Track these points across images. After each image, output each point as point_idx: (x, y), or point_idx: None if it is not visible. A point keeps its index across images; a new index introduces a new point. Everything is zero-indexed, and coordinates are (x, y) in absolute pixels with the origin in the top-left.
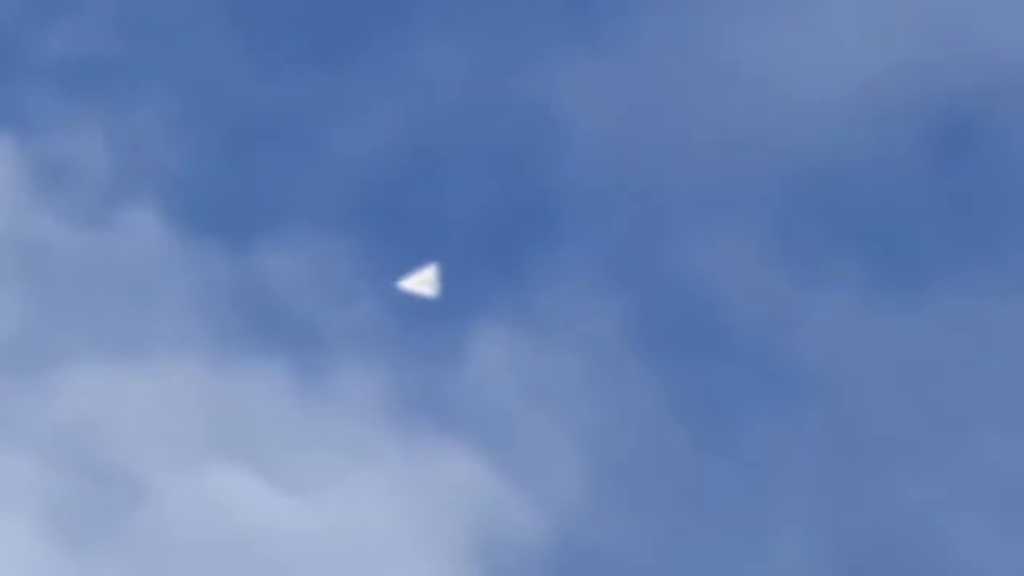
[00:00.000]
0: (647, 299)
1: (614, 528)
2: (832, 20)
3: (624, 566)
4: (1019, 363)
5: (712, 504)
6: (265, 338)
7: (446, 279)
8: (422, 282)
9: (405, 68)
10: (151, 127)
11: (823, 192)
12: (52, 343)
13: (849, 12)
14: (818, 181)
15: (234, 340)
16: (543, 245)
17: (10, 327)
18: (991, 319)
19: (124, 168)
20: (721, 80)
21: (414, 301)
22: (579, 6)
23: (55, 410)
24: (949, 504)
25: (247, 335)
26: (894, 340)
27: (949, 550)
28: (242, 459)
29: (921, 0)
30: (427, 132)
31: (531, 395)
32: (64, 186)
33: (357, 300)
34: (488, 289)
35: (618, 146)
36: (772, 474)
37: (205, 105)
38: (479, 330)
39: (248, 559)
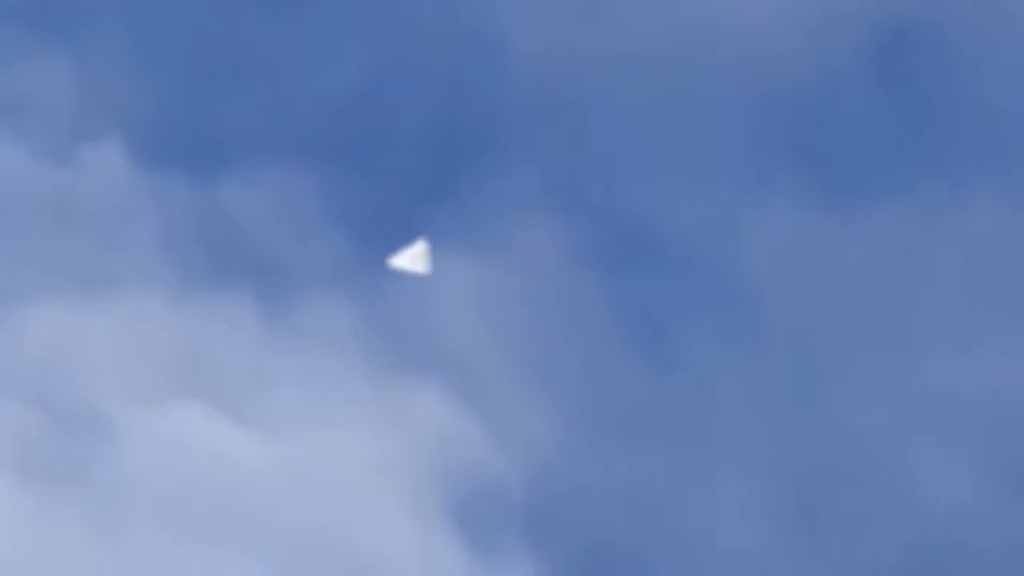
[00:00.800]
0: (591, 219)
1: (575, 460)
2: None
3: (586, 496)
4: (964, 277)
5: (656, 423)
6: (230, 274)
7: (396, 208)
8: (412, 259)
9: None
10: (115, 63)
11: (765, 104)
12: (14, 281)
13: None
14: (760, 93)
15: (199, 276)
16: (484, 169)
17: None
18: (936, 233)
19: (88, 104)
20: None
21: (376, 234)
22: None
23: (18, 348)
24: (894, 422)
25: (212, 271)
26: (838, 255)
27: (894, 468)
28: (207, 396)
29: None
30: (387, 65)
31: (488, 325)
32: (27, 123)
33: (322, 235)
34: (433, 216)
35: (558, 66)
36: (717, 391)
37: (169, 41)
38: (439, 261)
39: (213, 496)
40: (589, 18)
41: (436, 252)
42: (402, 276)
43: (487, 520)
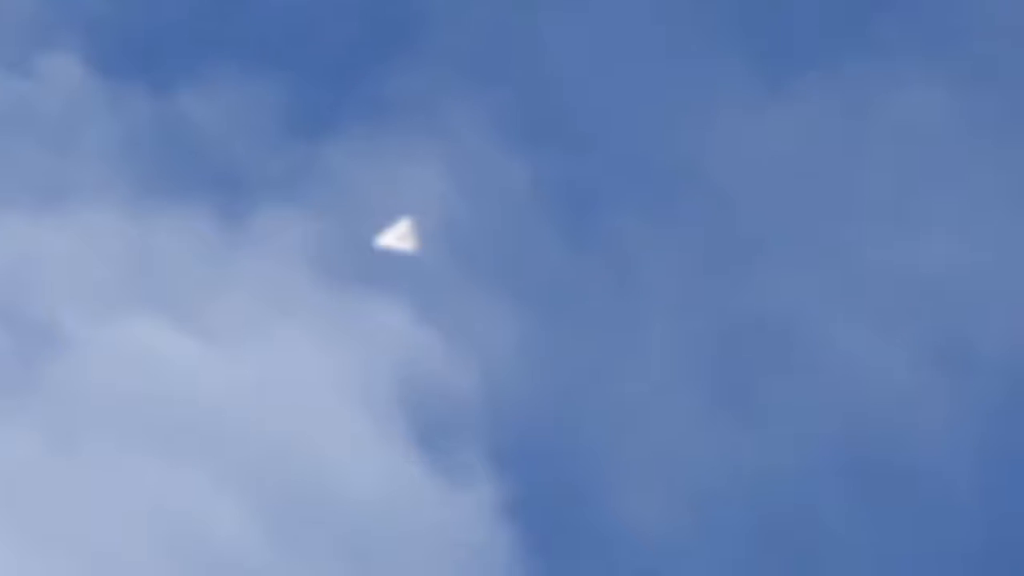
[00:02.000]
0: (516, 90)
1: (532, 362)
2: None
3: (542, 399)
4: (898, 156)
5: (581, 300)
6: (187, 185)
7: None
8: (399, 238)
9: None
10: None
11: None
12: None
13: None
14: None
15: (156, 187)
16: (402, 45)
17: None
18: (868, 110)
19: (45, 13)
20: None
21: (335, 143)
22: None
23: None
24: (826, 301)
25: (169, 182)
26: (769, 132)
27: (825, 348)
28: (163, 308)
29: None
30: None
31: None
32: None
33: (281, 145)
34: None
35: None
36: (644, 267)
37: None
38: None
39: (168, 408)
40: None
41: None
42: (359, 191)
43: (448, 433)
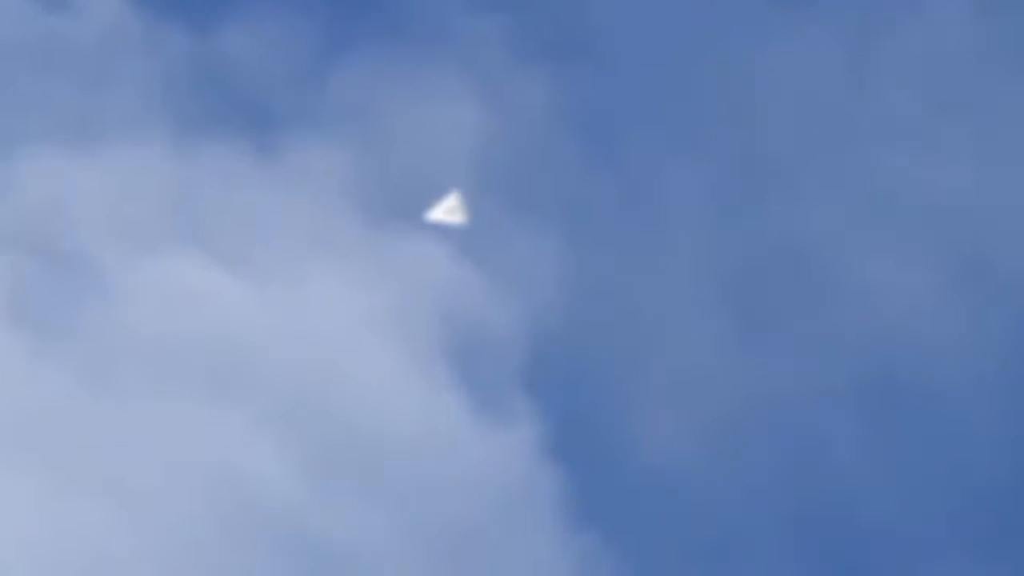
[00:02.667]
0: (537, 10)
1: (573, 296)
2: None
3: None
4: (919, 80)
5: (608, 227)
6: (226, 122)
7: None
8: (448, 211)
9: None
10: None
11: None
12: (8, 128)
13: None
14: None
15: (194, 124)
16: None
17: None
18: (890, 34)
19: None
20: None
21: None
22: None
23: (12, 198)
24: (846, 224)
25: (208, 119)
26: (790, 55)
27: (846, 270)
28: (201, 244)
29: None
30: None
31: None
32: None
33: (320, 81)
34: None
35: None
36: (665, 192)
37: None
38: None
39: (205, 346)
40: None
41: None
42: (395, 125)
43: (488, 370)
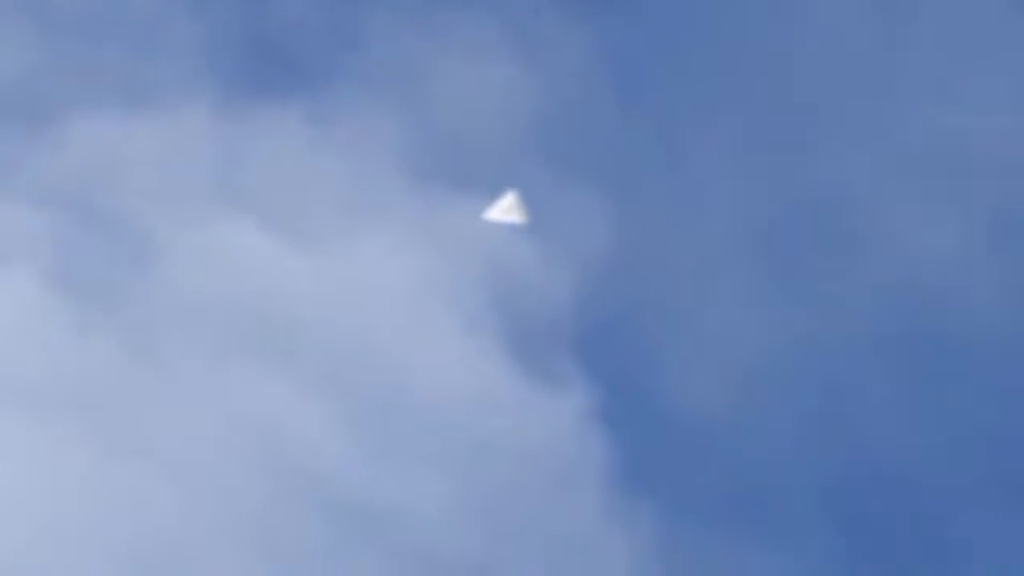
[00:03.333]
0: None
1: (622, 261)
2: None
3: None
4: (949, 27)
5: (645, 180)
6: (276, 85)
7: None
8: (506, 211)
9: None
10: None
11: None
12: (59, 91)
13: None
14: None
15: (244, 87)
16: None
17: (16, 74)
18: None
19: None
20: None
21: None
22: None
23: (62, 160)
24: (876, 169)
25: (258, 81)
26: (822, 4)
27: (876, 215)
28: (250, 209)
29: None
30: None
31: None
32: None
33: (367, 44)
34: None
35: None
36: (701, 145)
37: None
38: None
39: (255, 314)
40: None
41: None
42: (445, 89)
43: (539, 336)
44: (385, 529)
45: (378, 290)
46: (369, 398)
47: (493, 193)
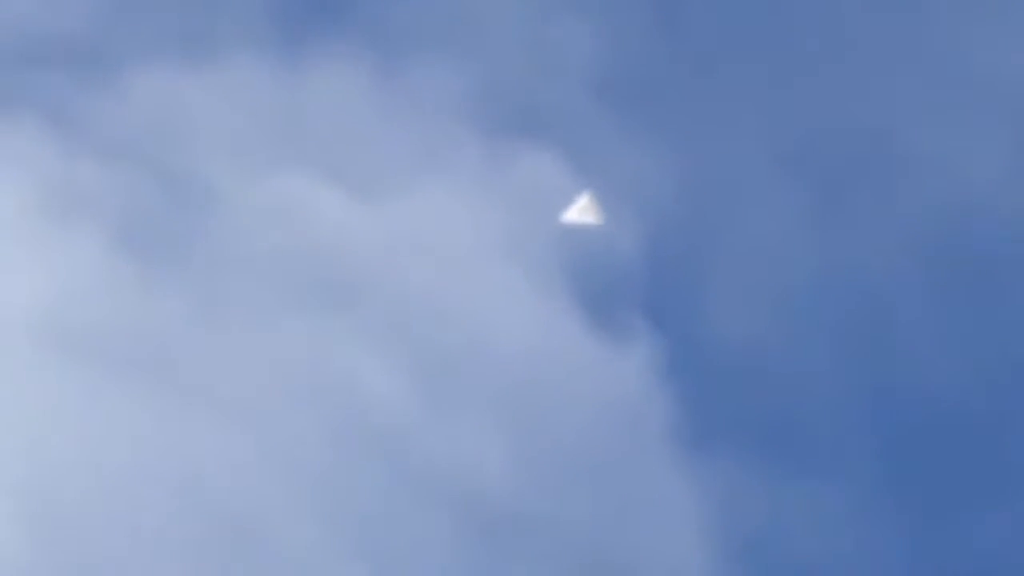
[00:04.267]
0: None
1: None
2: None
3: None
4: None
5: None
6: (340, 36)
7: None
8: (582, 211)
9: None
10: None
11: None
12: (120, 43)
13: None
14: None
15: (308, 38)
16: None
17: (77, 26)
18: None
19: None
20: None
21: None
22: None
23: (123, 113)
24: (921, 95)
25: (321, 33)
26: None
27: (922, 142)
28: (315, 163)
29: None
30: None
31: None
32: None
33: None
34: None
35: None
36: (739, 71)
37: None
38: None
39: (319, 268)
40: None
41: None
42: (515, 36)
43: (606, 290)
44: (448, 484)
45: (444, 244)
46: (433, 352)
47: (565, 147)
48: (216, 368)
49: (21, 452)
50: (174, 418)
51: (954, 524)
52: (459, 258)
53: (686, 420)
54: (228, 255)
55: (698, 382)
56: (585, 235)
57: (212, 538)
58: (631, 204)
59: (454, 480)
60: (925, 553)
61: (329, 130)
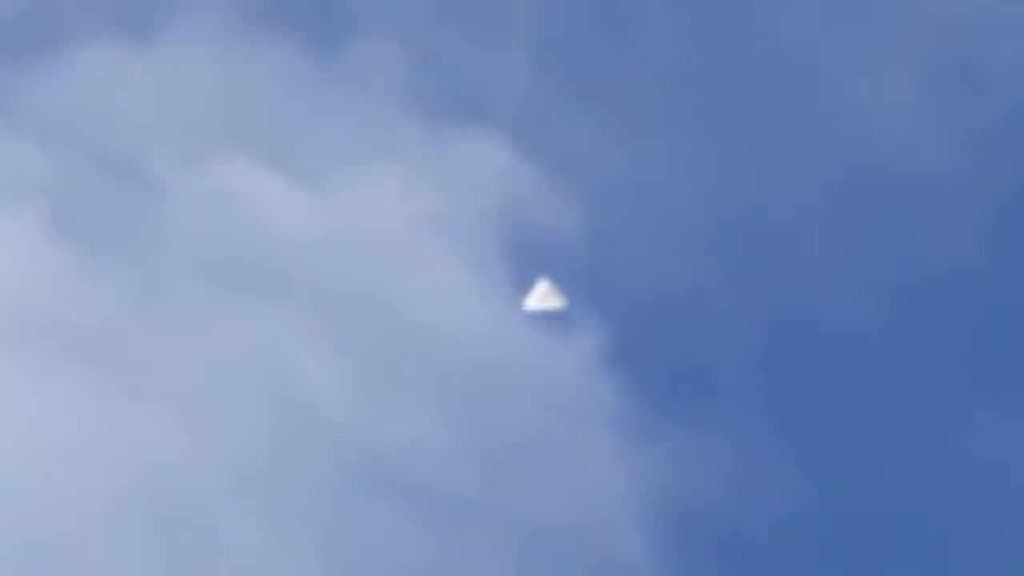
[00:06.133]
0: None
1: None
2: None
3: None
4: None
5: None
6: (279, 16)
7: None
8: (542, 298)
9: None
10: None
11: None
12: (55, 24)
13: None
14: None
15: (246, 18)
16: None
17: (11, 7)
18: None
19: None
20: None
21: None
22: None
23: (59, 95)
24: (827, 31)
25: (260, 13)
26: None
27: (827, 77)
28: (253, 147)
29: None
30: None
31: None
32: None
33: None
34: None
35: None
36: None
37: None
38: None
39: (259, 256)
40: None
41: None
42: (459, 17)
43: (547, 274)
44: (388, 471)
45: (385, 229)
46: (375, 339)
47: (507, 129)
48: (155, 354)
49: None
50: (112, 404)
51: (859, 466)
52: (400, 243)
53: (629, 405)
54: (167, 240)
55: (640, 368)
56: (529, 219)
57: (150, 526)
58: (573, 187)
59: (394, 467)
60: (832, 494)
61: (268, 115)
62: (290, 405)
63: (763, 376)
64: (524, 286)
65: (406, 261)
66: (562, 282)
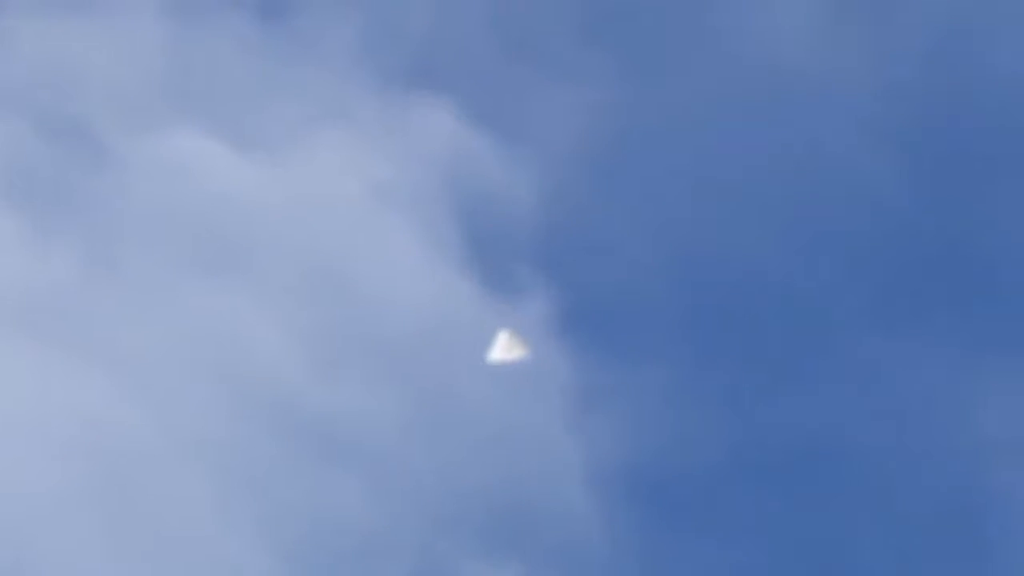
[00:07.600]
0: None
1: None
2: None
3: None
4: None
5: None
6: None
7: None
8: (505, 349)
9: None
10: None
11: None
12: None
13: None
14: None
15: None
16: None
17: None
18: None
19: None
20: None
21: None
22: None
23: (4, 63)
24: None
25: None
26: None
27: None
28: (203, 117)
29: None
30: None
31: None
32: None
33: None
34: None
35: None
36: None
37: None
38: None
39: (209, 226)
40: None
41: None
42: None
43: (498, 240)
44: (340, 442)
45: (336, 198)
46: (325, 308)
47: (459, 95)
48: (104, 322)
49: None
50: (60, 373)
51: (773, 403)
52: (352, 213)
53: (578, 371)
54: (116, 208)
55: (589, 335)
56: (482, 189)
57: (98, 496)
58: (526, 155)
59: (345, 438)
60: (746, 433)
61: (219, 82)
62: (240, 374)
63: (692, 326)
64: (476, 255)
65: (358, 230)
66: (512, 247)
